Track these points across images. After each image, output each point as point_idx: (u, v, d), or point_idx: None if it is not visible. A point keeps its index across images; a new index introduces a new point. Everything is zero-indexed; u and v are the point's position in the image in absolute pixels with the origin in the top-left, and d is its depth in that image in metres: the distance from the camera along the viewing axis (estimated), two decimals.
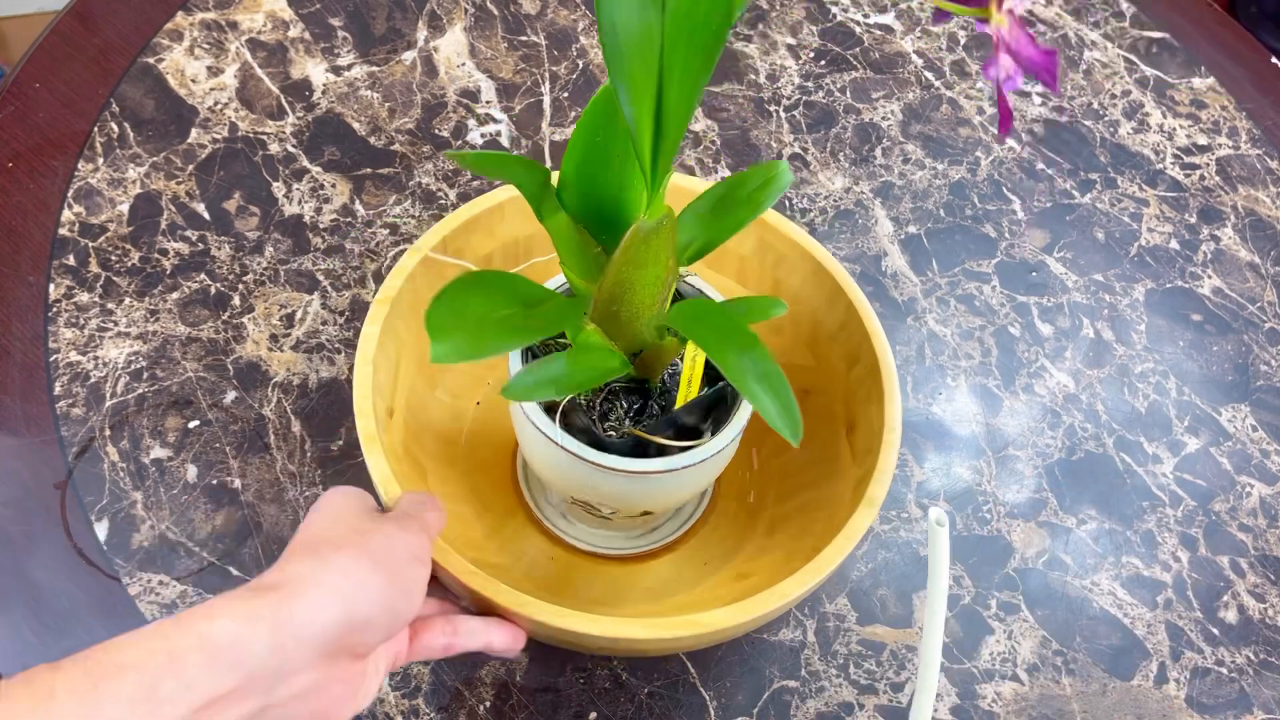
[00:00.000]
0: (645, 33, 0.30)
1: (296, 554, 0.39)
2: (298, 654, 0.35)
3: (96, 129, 0.76)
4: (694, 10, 0.29)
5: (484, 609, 0.47)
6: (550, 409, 0.49)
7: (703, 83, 0.31)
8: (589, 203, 0.43)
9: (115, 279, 0.69)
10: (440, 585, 0.49)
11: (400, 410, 0.57)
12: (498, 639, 0.47)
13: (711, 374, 0.50)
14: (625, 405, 0.51)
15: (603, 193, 0.43)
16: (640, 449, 0.48)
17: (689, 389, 0.49)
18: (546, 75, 0.83)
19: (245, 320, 0.68)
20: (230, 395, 0.65)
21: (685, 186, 0.60)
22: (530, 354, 0.50)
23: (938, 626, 0.41)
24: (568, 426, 0.48)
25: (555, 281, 0.51)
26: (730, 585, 0.58)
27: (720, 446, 0.48)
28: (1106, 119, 0.88)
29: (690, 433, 0.49)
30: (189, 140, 0.76)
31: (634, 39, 0.30)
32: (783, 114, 0.84)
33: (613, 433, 0.49)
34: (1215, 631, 0.63)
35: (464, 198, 0.75)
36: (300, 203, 0.74)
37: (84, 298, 0.67)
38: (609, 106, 0.39)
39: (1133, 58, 0.93)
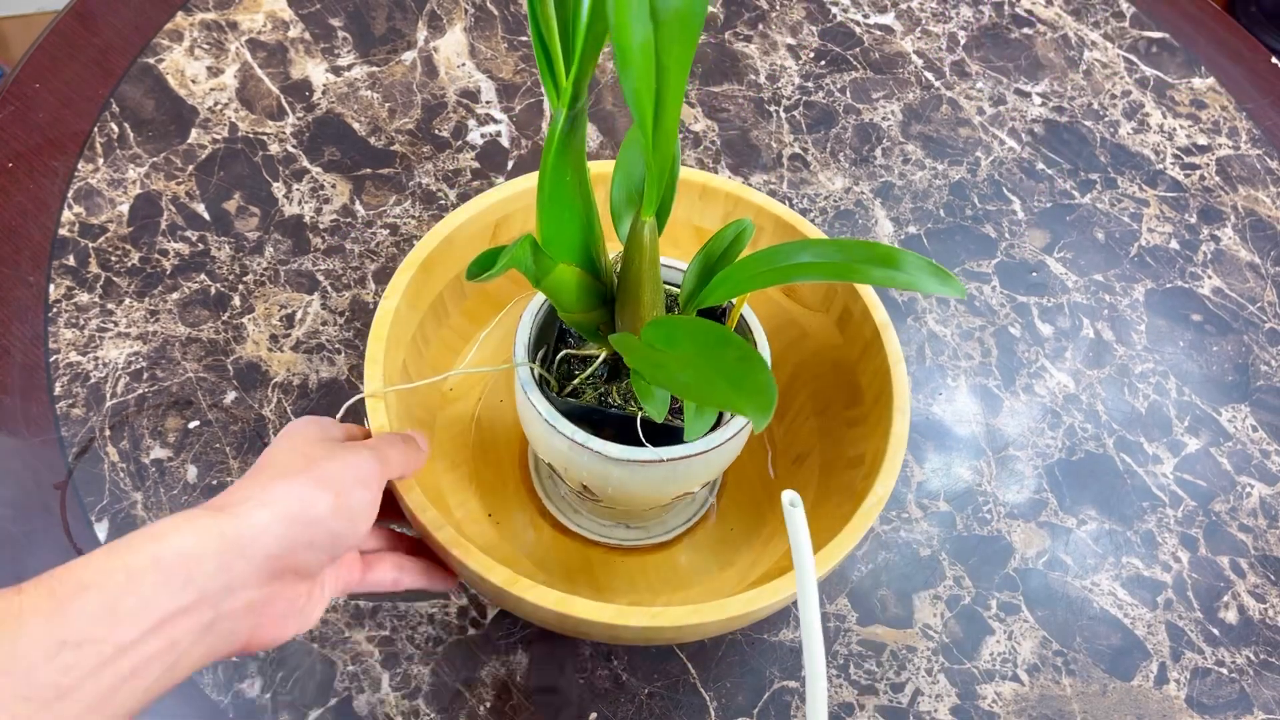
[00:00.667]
0: (645, 44, 0.35)
1: (248, 479, 0.41)
2: (244, 570, 0.37)
3: (96, 129, 0.76)
4: (677, 17, 0.36)
5: (504, 604, 0.48)
6: (554, 394, 0.49)
7: (687, 70, 0.38)
8: (575, 243, 0.46)
9: (115, 279, 0.69)
10: (393, 518, 0.51)
11: (407, 407, 0.57)
12: (437, 583, 0.50)
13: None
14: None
15: (582, 229, 0.46)
16: (654, 436, 0.48)
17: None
18: None
19: (245, 320, 0.68)
20: (230, 395, 0.65)
21: (686, 178, 0.61)
22: (550, 387, 0.51)
23: (813, 607, 0.41)
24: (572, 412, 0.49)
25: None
26: (741, 576, 0.58)
27: (732, 433, 0.48)
28: (1106, 119, 0.88)
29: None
30: (189, 140, 0.76)
31: (638, 50, 0.36)
32: (783, 114, 0.84)
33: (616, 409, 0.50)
34: (1215, 632, 0.63)
35: (464, 197, 0.75)
36: (300, 203, 0.74)
37: (84, 298, 0.67)
38: (559, 159, 0.43)
39: (1133, 58, 0.93)
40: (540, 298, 0.52)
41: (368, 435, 0.49)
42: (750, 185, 0.79)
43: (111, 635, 0.33)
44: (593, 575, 0.59)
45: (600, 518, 0.60)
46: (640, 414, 0.49)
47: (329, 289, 0.70)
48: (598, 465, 0.48)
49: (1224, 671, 0.61)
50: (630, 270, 0.46)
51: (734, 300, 0.51)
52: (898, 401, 0.53)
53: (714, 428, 0.48)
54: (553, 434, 0.48)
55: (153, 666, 0.35)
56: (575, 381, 0.51)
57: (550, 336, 0.53)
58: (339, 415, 0.49)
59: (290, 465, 0.41)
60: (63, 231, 0.70)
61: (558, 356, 0.52)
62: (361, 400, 0.51)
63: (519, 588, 0.46)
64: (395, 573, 0.49)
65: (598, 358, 0.51)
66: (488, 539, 0.59)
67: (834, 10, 0.93)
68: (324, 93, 0.80)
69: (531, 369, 0.49)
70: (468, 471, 0.61)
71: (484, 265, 0.41)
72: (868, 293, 0.57)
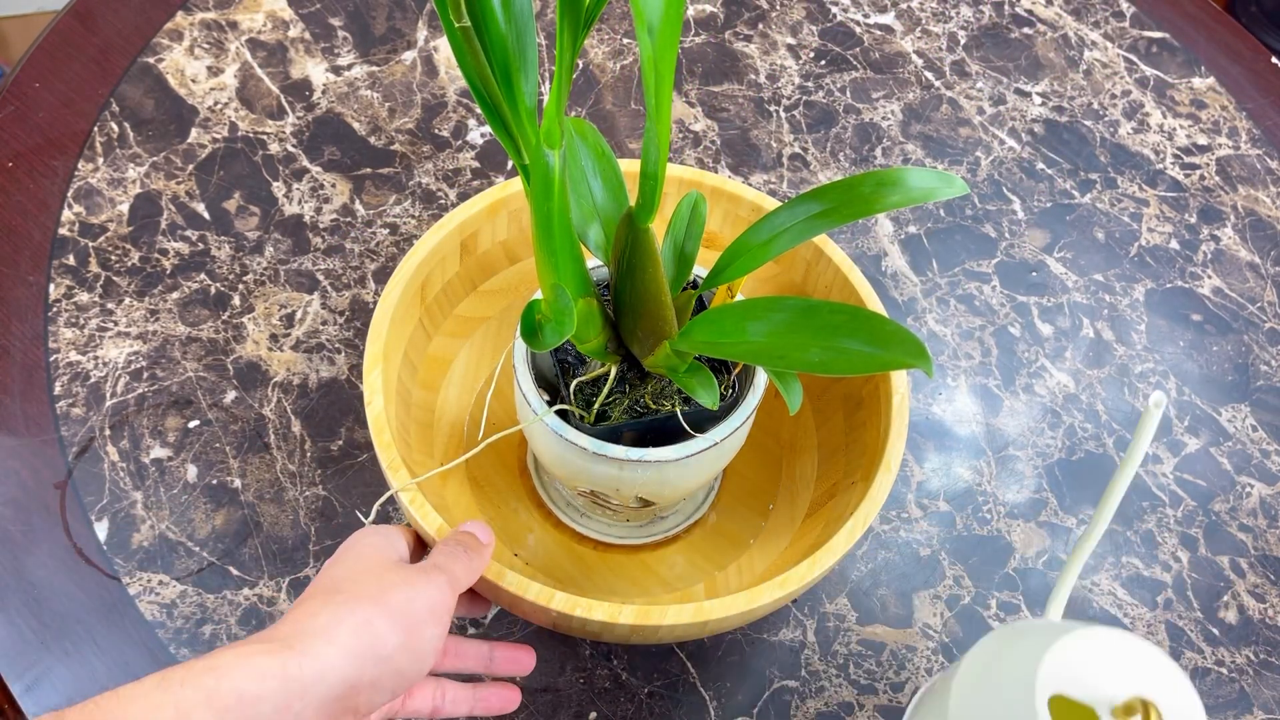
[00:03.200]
0: (647, 57, 0.37)
1: (315, 599, 0.39)
2: (303, 712, 0.35)
3: (96, 129, 0.76)
4: (667, 29, 0.37)
5: (501, 601, 0.48)
6: (555, 396, 0.49)
7: (673, 72, 0.39)
8: (580, 274, 0.45)
9: (115, 279, 0.69)
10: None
11: (407, 405, 0.57)
12: (485, 707, 0.48)
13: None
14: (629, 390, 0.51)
15: (577, 259, 0.45)
16: (647, 438, 0.48)
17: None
18: (546, 75, 0.83)
19: (245, 320, 0.68)
20: (230, 395, 0.65)
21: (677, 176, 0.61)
22: (553, 393, 0.50)
23: (1114, 503, 0.44)
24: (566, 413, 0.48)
25: None
26: (740, 575, 0.58)
27: (722, 437, 0.48)
28: (1106, 119, 0.88)
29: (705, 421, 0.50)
30: (189, 140, 0.76)
31: (650, 64, 0.37)
32: (783, 114, 0.84)
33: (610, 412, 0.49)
34: (1215, 631, 0.63)
35: (463, 197, 0.75)
36: (300, 203, 0.74)
37: (84, 298, 0.68)
38: (561, 198, 0.42)
39: (1133, 58, 0.93)
40: (519, 346, 0.50)
41: (427, 540, 0.47)
42: (750, 185, 0.79)
43: None
44: (593, 574, 0.59)
45: (603, 518, 0.60)
46: (670, 411, 0.49)
47: (329, 288, 0.70)
48: (653, 474, 0.48)
49: (1224, 671, 0.61)
50: (637, 277, 0.45)
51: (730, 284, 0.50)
52: (896, 401, 0.53)
53: (724, 401, 0.48)
54: (601, 462, 0.47)
55: None
56: (597, 404, 0.49)
57: (548, 371, 0.52)
58: (370, 518, 0.48)
59: (362, 589, 0.39)
60: (63, 231, 0.70)
61: (572, 388, 0.50)
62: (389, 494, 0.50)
63: (519, 587, 0.46)
64: (433, 702, 0.46)
65: (608, 375, 0.50)
66: None
67: (834, 10, 0.93)
68: (324, 92, 0.80)
69: (571, 411, 0.48)
70: (466, 471, 0.61)
71: (531, 332, 0.42)
72: (867, 292, 0.57)
